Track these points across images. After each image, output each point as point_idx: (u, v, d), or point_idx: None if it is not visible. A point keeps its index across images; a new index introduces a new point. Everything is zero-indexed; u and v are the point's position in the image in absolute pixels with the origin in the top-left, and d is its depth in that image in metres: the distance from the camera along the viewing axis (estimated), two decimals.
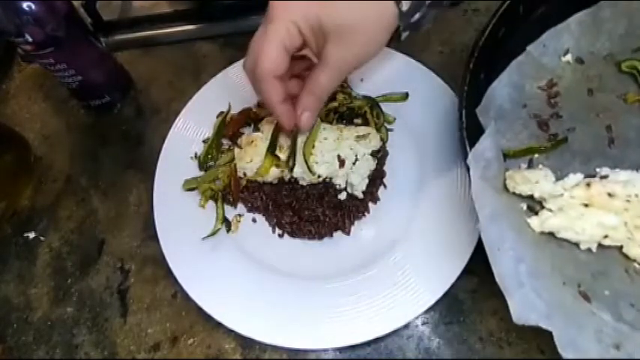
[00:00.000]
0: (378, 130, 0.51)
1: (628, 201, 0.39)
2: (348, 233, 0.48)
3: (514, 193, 0.42)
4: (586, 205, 0.40)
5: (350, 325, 0.42)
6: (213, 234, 0.48)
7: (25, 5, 0.46)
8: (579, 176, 0.41)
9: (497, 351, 0.41)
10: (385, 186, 0.50)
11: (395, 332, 0.42)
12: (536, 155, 0.45)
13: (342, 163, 0.47)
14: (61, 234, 0.53)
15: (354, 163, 0.47)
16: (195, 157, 0.53)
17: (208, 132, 0.55)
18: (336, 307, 0.43)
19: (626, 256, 0.39)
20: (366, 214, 0.48)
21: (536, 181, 0.41)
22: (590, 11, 0.46)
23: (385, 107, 0.53)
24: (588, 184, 0.40)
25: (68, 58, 0.52)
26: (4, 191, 0.55)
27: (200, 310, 0.44)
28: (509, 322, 0.42)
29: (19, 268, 0.52)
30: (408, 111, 0.53)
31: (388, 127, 0.52)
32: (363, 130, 0.49)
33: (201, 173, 0.52)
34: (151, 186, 0.51)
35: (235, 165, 0.50)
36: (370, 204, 0.49)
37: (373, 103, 0.53)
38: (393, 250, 0.45)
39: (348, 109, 0.53)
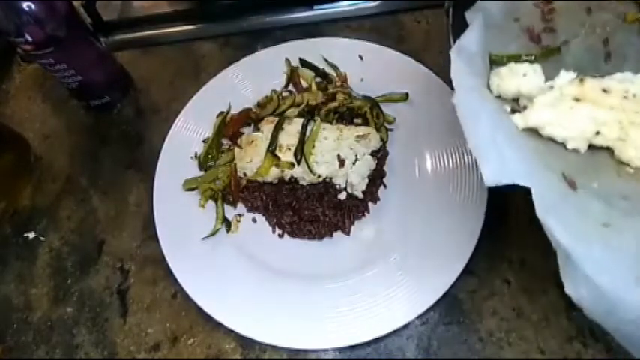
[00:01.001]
0: (378, 130, 0.51)
1: (625, 97, 0.36)
2: (348, 233, 0.48)
3: (498, 97, 0.39)
4: (577, 100, 0.36)
5: (350, 325, 0.42)
6: (213, 234, 0.48)
7: (25, 5, 0.46)
8: (572, 74, 0.37)
9: (497, 351, 0.41)
10: (385, 186, 0.50)
11: (395, 332, 0.42)
12: (526, 64, 0.40)
13: (342, 163, 0.47)
14: (61, 234, 0.53)
15: (354, 163, 0.47)
16: (195, 157, 0.53)
17: (208, 132, 0.55)
18: (336, 307, 0.43)
19: (618, 161, 0.36)
20: (366, 214, 0.48)
21: (524, 74, 0.37)
22: None
23: (385, 107, 0.53)
24: (581, 80, 0.36)
25: (68, 58, 0.52)
26: (4, 191, 0.55)
27: (200, 310, 0.44)
28: (509, 322, 0.42)
29: (19, 268, 0.52)
30: (408, 111, 0.53)
31: (388, 127, 0.52)
32: (363, 130, 0.49)
33: (201, 173, 0.52)
34: (151, 186, 0.51)
35: (235, 165, 0.50)
36: (370, 204, 0.49)
37: (373, 103, 0.53)
38: (393, 250, 0.45)
39: (348, 109, 0.53)
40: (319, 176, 0.47)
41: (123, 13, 0.66)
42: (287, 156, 0.48)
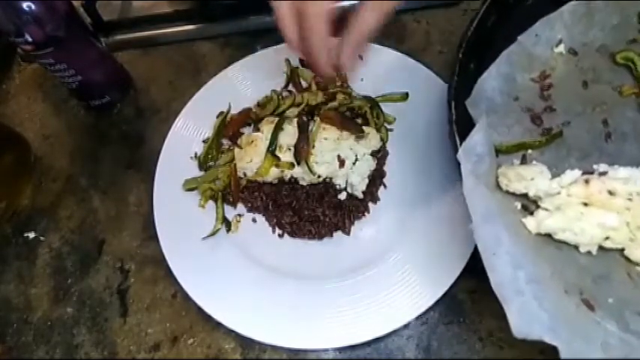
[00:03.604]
0: (378, 130, 0.51)
1: (629, 199, 0.37)
2: (348, 233, 0.48)
3: (507, 192, 0.40)
4: (585, 204, 0.37)
5: (350, 325, 0.42)
6: (213, 234, 0.48)
7: (25, 5, 0.46)
8: (577, 173, 0.39)
9: (497, 351, 0.41)
10: (385, 186, 0.50)
11: (395, 332, 0.42)
12: (530, 151, 0.42)
13: (342, 163, 0.47)
14: (61, 234, 0.53)
15: (354, 163, 0.47)
16: (195, 157, 0.53)
17: (208, 132, 0.55)
18: (336, 307, 0.43)
19: (628, 259, 0.37)
20: (366, 214, 0.48)
21: (531, 178, 0.38)
22: (583, 1, 0.45)
23: (385, 107, 0.53)
24: (587, 181, 0.38)
25: (68, 58, 0.53)
26: (4, 191, 0.55)
27: (200, 310, 0.44)
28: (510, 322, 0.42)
29: (19, 268, 0.52)
30: (408, 111, 0.53)
31: (388, 127, 0.52)
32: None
33: (201, 173, 0.52)
34: (151, 186, 0.51)
35: (235, 165, 0.50)
36: (370, 204, 0.49)
37: (373, 103, 0.53)
38: (393, 250, 0.45)
39: (348, 109, 0.53)
40: (319, 176, 0.47)
41: (123, 13, 0.66)
42: (287, 156, 0.48)
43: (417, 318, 0.42)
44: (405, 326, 0.42)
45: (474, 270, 0.43)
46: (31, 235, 0.53)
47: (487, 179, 0.38)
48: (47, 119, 0.62)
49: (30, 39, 0.48)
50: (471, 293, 0.44)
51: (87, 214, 0.54)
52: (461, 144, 0.36)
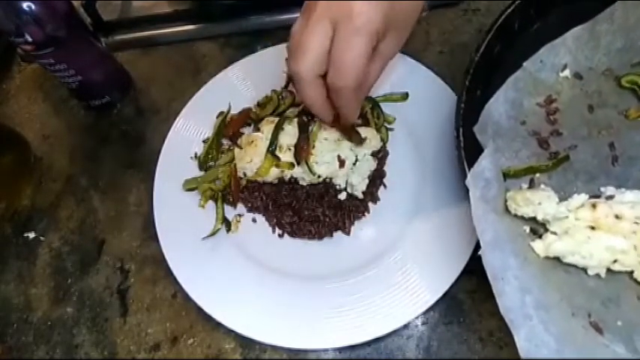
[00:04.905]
0: (378, 130, 0.51)
1: (637, 223, 0.37)
2: (348, 233, 0.48)
3: (515, 215, 0.40)
4: (592, 228, 0.38)
5: (350, 325, 0.42)
6: (213, 234, 0.48)
7: (25, 5, 0.46)
8: (584, 197, 0.39)
9: (497, 351, 0.41)
10: (385, 186, 0.50)
11: (395, 332, 0.42)
12: (537, 175, 0.43)
13: (342, 163, 0.47)
14: (61, 234, 0.53)
15: (354, 164, 0.47)
16: (195, 157, 0.53)
17: (208, 132, 0.55)
18: (336, 307, 0.43)
19: (637, 282, 0.38)
20: (366, 214, 0.48)
21: (539, 202, 0.39)
22: (587, 26, 0.45)
23: (385, 107, 0.53)
24: (594, 206, 0.38)
25: (68, 58, 0.53)
26: (4, 191, 0.55)
27: (200, 310, 0.44)
28: None
29: (19, 268, 0.52)
30: (408, 111, 0.53)
31: (388, 127, 0.52)
32: (363, 130, 0.49)
33: (201, 173, 0.52)
34: (151, 186, 0.51)
35: (235, 165, 0.50)
36: (370, 204, 0.49)
37: (373, 103, 0.53)
38: (393, 250, 0.45)
39: None
40: (319, 176, 0.47)
41: (123, 13, 0.66)
42: (287, 156, 0.48)
43: (417, 318, 0.42)
44: (405, 326, 0.42)
45: (474, 270, 0.43)
46: (31, 235, 0.53)
47: (495, 203, 0.39)
48: (47, 119, 0.62)
49: (30, 39, 0.48)
50: (471, 293, 0.44)
51: (87, 214, 0.54)
52: (469, 169, 0.37)
